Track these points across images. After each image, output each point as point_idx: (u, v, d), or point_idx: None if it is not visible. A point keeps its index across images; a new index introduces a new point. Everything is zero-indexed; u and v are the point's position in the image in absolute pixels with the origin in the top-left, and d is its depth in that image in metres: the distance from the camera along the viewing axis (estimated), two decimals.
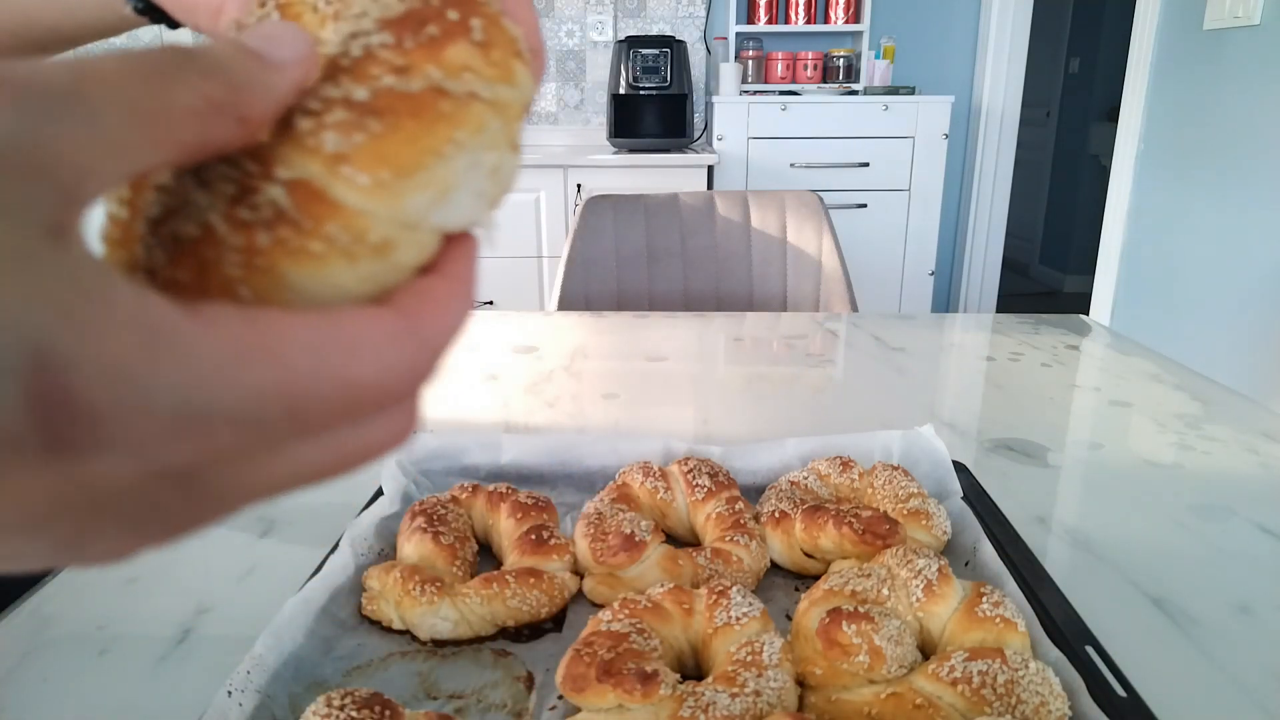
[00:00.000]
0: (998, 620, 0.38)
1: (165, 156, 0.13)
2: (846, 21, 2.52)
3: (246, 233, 0.14)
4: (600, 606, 0.42)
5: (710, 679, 0.36)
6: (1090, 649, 0.38)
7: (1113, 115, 2.21)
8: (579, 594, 0.45)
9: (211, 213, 0.14)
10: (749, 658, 0.36)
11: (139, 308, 0.11)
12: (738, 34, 2.56)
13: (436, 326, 0.15)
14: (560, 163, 2.29)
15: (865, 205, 2.42)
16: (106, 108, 0.12)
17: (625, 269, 1.29)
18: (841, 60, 2.54)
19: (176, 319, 0.12)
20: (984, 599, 0.40)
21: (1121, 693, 0.36)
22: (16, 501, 0.11)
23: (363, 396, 0.14)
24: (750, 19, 2.56)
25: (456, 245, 0.16)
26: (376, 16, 0.16)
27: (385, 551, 0.47)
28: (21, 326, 0.10)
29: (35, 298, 0.10)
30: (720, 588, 0.40)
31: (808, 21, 2.54)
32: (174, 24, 0.26)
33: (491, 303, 2.32)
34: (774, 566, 0.48)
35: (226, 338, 0.12)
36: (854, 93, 2.51)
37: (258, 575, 0.49)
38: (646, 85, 2.33)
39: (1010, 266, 3.48)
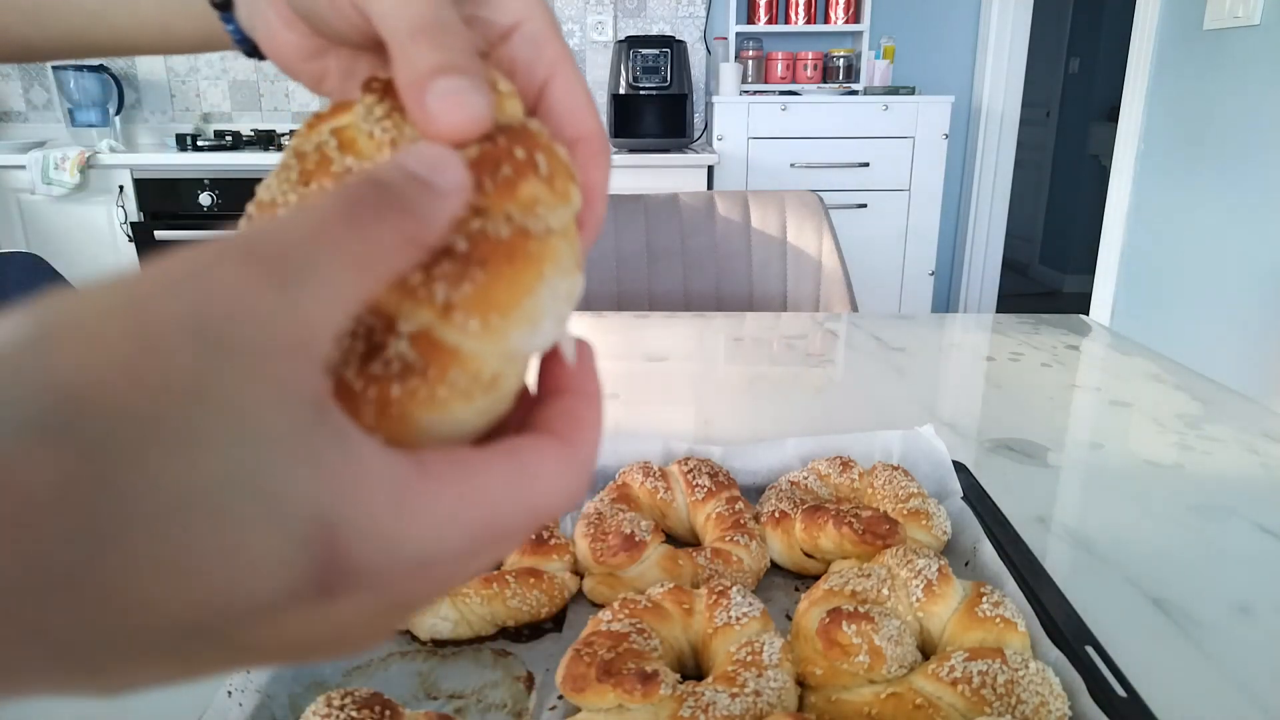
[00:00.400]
0: (998, 620, 0.38)
1: (370, 296, 0.14)
2: (846, 21, 2.52)
3: (380, 386, 0.15)
4: (600, 606, 0.42)
5: (710, 679, 0.36)
6: (1090, 649, 0.38)
7: (1113, 115, 2.21)
8: (579, 594, 0.45)
9: (346, 369, 0.15)
10: (749, 658, 0.36)
11: (385, 466, 0.13)
12: (738, 34, 2.56)
13: (590, 445, 0.17)
14: None
15: (865, 205, 2.42)
16: (336, 266, 0.13)
17: (625, 269, 1.29)
18: (841, 60, 2.54)
19: (411, 475, 0.13)
20: (984, 599, 0.40)
21: (1121, 693, 0.36)
22: (288, 640, 0.13)
23: (544, 518, 0.16)
24: (750, 19, 2.56)
25: (578, 363, 0.18)
26: None
27: None
28: (309, 503, 0.12)
29: (318, 476, 0.12)
30: (720, 588, 0.40)
31: (808, 21, 2.54)
32: (262, 57, 0.27)
33: None
34: (774, 566, 0.48)
35: (448, 488, 0.14)
36: (854, 93, 2.50)
37: None
38: (646, 85, 2.33)
39: (1010, 266, 3.48)
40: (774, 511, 0.48)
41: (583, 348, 0.19)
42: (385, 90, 0.19)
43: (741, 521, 0.47)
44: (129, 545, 0.11)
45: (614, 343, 0.95)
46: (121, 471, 0.11)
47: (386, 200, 0.14)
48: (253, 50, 0.26)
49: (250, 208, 0.19)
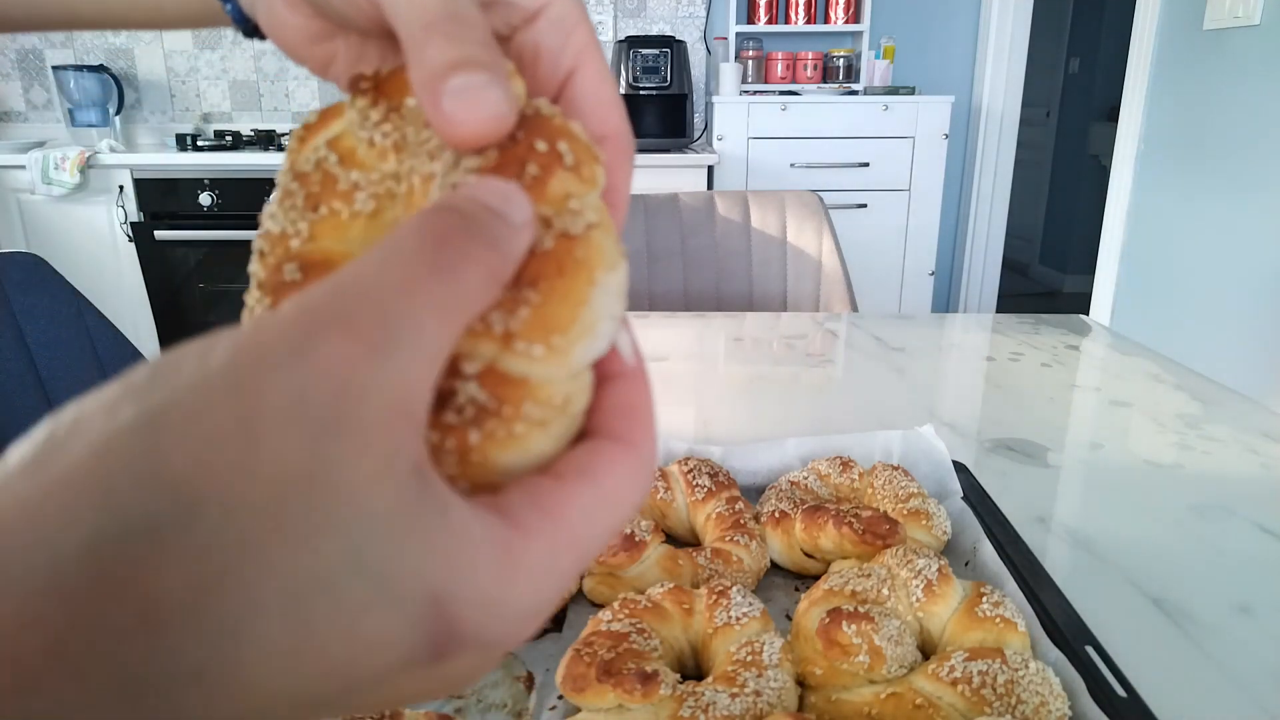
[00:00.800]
0: (998, 620, 0.38)
1: (456, 340, 0.14)
2: (846, 21, 2.52)
3: (458, 436, 0.14)
4: (600, 606, 0.42)
5: (710, 679, 0.36)
6: (1090, 649, 0.38)
7: (1113, 115, 2.21)
8: (579, 594, 0.45)
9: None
10: (749, 658, 0.36)
11: (484, 530, 0.13)
12: (738, 34, 2.56)
13: (651, 439, 0.17)
14: None
15: (865, 205, 2.42)
16: (429, 321, 0.13)
17: None
18: (841, 60, 2.54)
19: (509, 536, 0.14)
20: (984, 599, 0.40)
21: (1121, 693, 0.36)
22: (400, 697, 0.14)
23: (622, 526, 0.17)
24: (750, 19, 2.56)
25: (624, 364, 0.17)
26: (474, 166, 0.16)
27: None
28: (421, 581, 0.12)
29: (427, 552, 0.12)
30: (720, 588, 0.40)
31: (808, 21, 2.54)
32: (262, 36, 0.25)
33: None
34: (774, 566, 0.48)
35: (542, 540, 0.14)
36: (854, 93, 2.50)
37: None
38: (646, 85, 2.33)
39: (1010, 266, 3.48)
40: (774, 511, 0.48)
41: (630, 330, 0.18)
42: (377, 89, 0.18)
43: (741, 521, 0.47)
44: (253, 638, 0.11)
45: None
46: (244, 566, 0.11)
47: (471, 236, 0.14)
48: (252, 30, 0.25)
49: (259, 242, 0.18)
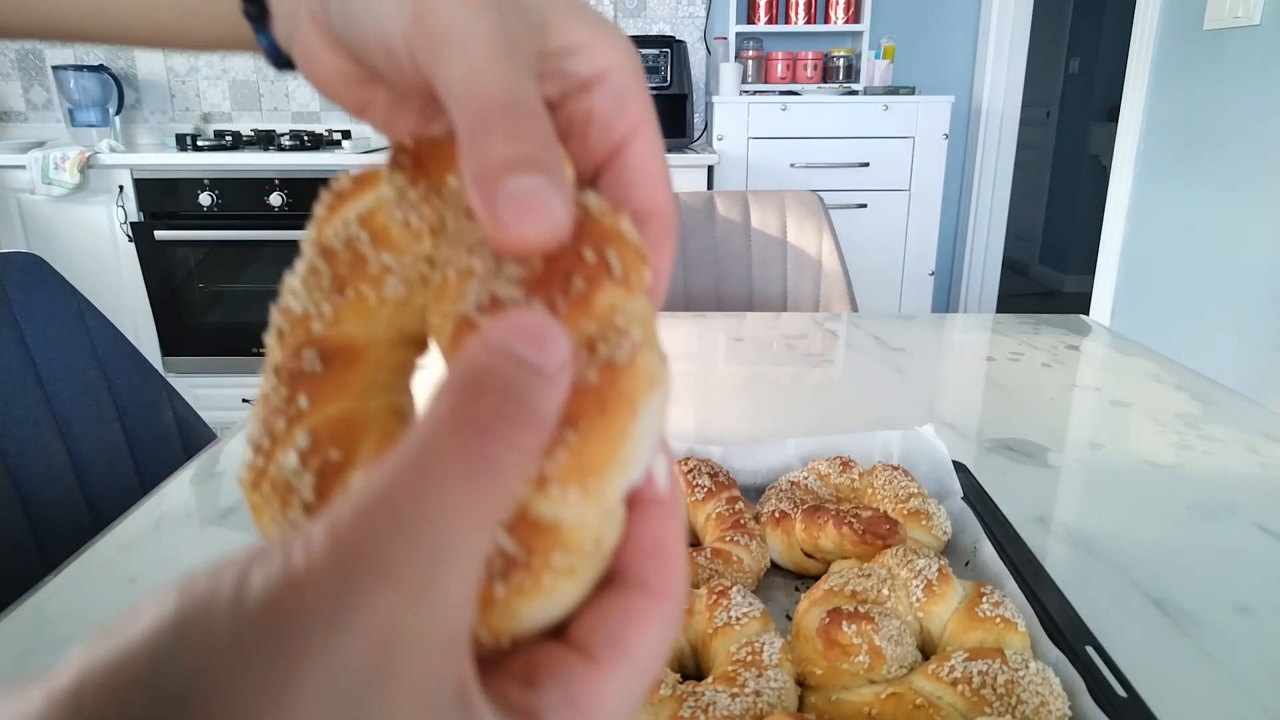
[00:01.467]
0: (998, 620, 0.38)
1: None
2: (846, 21, 2.52)
3: (484, 588, 0.13)
4: None
5: (710, 679, 0.36)
6: (1090, 649, 0.38)
7: (1113, 115, 2.21)
8: None
9: None
10: (749, 658, 0.36)
11: None
12: (738, 34, 2.56)
13: (682, 588, 0.16)
14: None
15: (865, 205, 2.42)
16: (469, 535, 0.12)
17: None
18: (841, 60, 2.54)
19: None
20: (984, 599, 0.40)
21: (1121, 693, 0.36)
22: None
23: (654, 679, 0.15)
24: (750, 19, 2.56)
25: (656, 491, 0.16)
26: (517, 277, 0.15)
27: None
28: None
29: None
30: (720, 588, 0.40)
31: (808, 21, 2.54)
32: (291, 67, 0.24)
33: None
34: (774, 566, 0.48)
35: None
36: (854, 93, 2.50)
37: None
38: (647, 85, 2.32)
39: (1010, 266, 3.48)
40: (774, 511, 0.48)
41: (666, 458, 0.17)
42: (417, 165, 0.17)
43: (741, 521, 0.47)
44: None
45: None
46: None
47: (510, 418, 0.13)
48: (284, 63, 0.23)
49: (278, 318, 0.17)
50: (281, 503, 0.15)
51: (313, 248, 0.17)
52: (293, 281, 0.17)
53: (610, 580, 0.15)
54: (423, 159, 0.17)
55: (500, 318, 0.14)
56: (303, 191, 2.14)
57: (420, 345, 0.18)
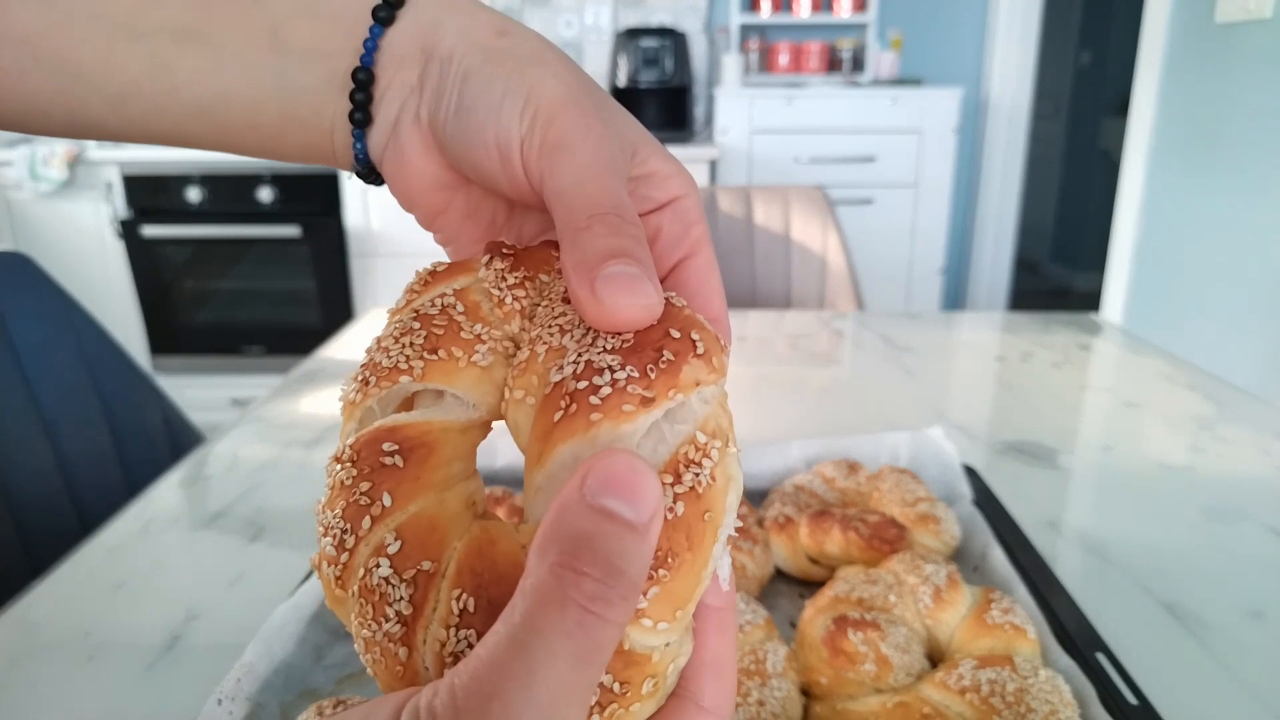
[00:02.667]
0: (1007, 627, 0.38)
1: None
2: (853, 11, 2.50)
3: None
4: None
5: None
6: (1101, 656, 0.38)
7: (1124, 109, 2.19)
8: None
9: None
10: (753, 666, 0.36)
11: None
12: (741, 25, 2.54)
13: (732, 700, 0.17)
14: None
15: (871, 201, 2.41)
16: (574, 716, 0.13)
17: None
18: (847, 51, 2.52)
19: None
20: (993, 605, 0.39)
21: (1133, 700, 0.35)
22: None
23: None
24: (754, 8, 2.54)
25: (719, 591, 0.17)
26: (612, 347, 0.16)
27: None
28: None
29: None
30: None
31: (813, 11, 2.52)
32: (377, 181, 0.25)
33: None
34: (778, 573, 0.47)
35: None
36: (860, 85, 2.48)
37: (247, 581, 0.49)
38: (647, 78, 2.31)
39: (1020, 263, 3.45)
40: (778, 516, 0.47)
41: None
42: (517, 257, 0.19)
43: (745, 526, 0.46)
44: None
45: None
46: None
47: (607, 598, 0.13)
48: (369, 174, 0.24)
49: (364, 372, 0.18)
50: (375, 610, 0.16)
51: (408, 314, 0.19)
52: (383, 340, 0.19)
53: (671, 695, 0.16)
54: (520, 255, 0.20)
55: (595, 461, 0.14)
56: (292, 187, 2.12)
57: (485, 428, 0.19)
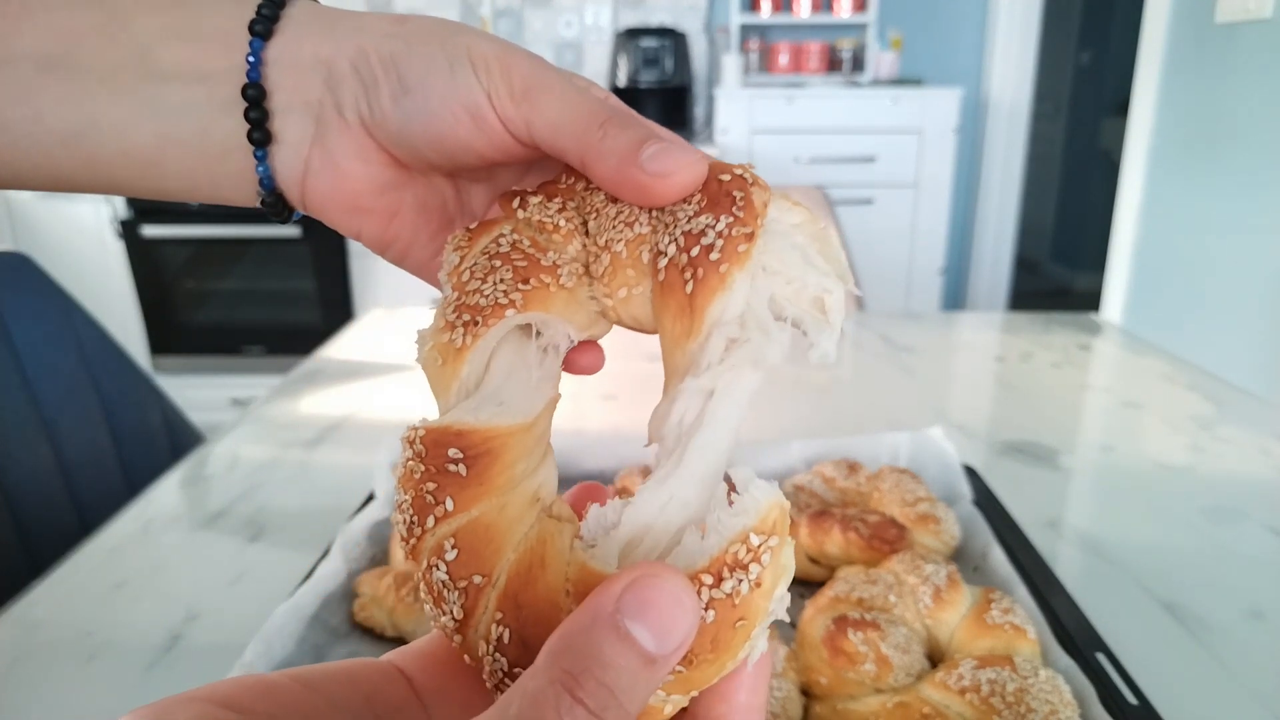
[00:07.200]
0: (1007, 627, 0.38)
1: None
2: (853, 11, 2.50)
3: None
4: None
5: None
6: (1101, 656, 0.38)
7: (1124, 109, 2.19)
8: None
9: None
10: None
11: None
12: (741, 25, 2.54)
13: None
14: None
15: (871, 201, 2.40)
16: None
17: None
18: (847, 51, 2.52)
19: None
20: (993, 605, 0.39)
21: (1133, 700, 0.35)
22: None
23: None
24: (754, 8, 2.54)
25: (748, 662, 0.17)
26: (692, 212, 0.18)
27: (378, 557, 0.46)
28: None
29: None
30: None
31: (813, 11, 2.52)
32: (283, 213, 0.23)
33: None
34: None
35: None
36: (860, 85, 2.48)
37: (247, 581, 0.49)
38: (647, 78, 2.31)
39: (1020, 263, 3.45)
40: None
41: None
42: (546, 191, 0.20)
43: None
44: None
45: (613, 343, 0.94)
46: None
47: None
48: (275, 202, 0.22)
49: (463, 316, 0.18)
50: (435, 600, 0.17)
51: (480, 257, 0.19)
52: (470, 285, 0.19)
53: None
54: (542, 187, 0.20)
55: (643, 575, 0.14)
56: None
57: (549, 412, 0.19)
